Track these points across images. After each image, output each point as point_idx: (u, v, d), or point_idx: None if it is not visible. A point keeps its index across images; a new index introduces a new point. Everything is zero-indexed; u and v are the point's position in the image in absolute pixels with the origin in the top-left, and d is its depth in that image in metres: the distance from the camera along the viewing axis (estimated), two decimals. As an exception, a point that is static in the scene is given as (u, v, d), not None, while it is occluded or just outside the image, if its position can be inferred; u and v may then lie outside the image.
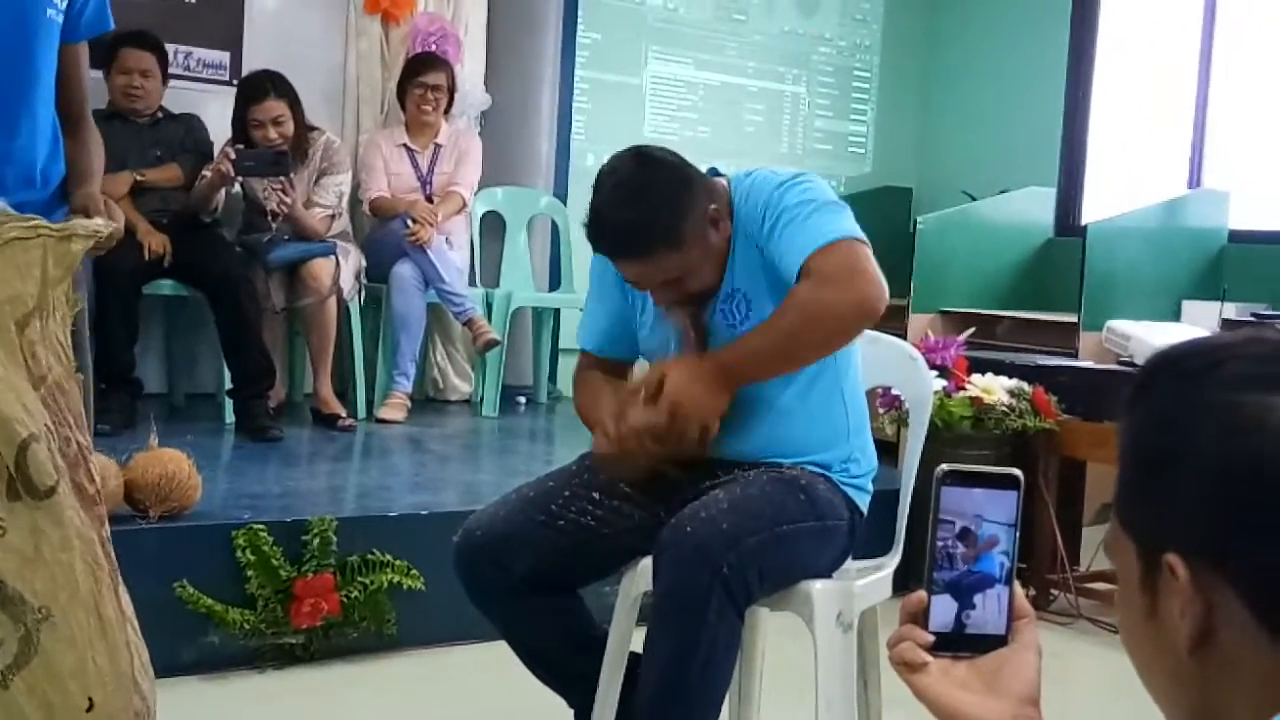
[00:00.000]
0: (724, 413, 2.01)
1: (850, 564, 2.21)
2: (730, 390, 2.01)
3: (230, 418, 4.33)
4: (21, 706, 1.59)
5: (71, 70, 2.11)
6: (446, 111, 5.05)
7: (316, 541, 3.01)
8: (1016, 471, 0.96)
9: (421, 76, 4.93)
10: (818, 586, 2.06)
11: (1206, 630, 0.79)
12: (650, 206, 1.99)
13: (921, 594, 0.96)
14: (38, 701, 1.60)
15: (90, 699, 1.65)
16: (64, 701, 1.62)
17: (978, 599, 0.96)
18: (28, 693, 1.60)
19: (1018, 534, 0.96)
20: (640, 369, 2.30)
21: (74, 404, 1.75)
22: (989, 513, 0.95)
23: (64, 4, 2.04)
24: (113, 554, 1.75)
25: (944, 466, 0.95)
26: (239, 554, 2.94)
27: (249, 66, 4.82)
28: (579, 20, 5.82)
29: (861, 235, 2.02)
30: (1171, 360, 0.83)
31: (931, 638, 0.95)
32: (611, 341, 2.28)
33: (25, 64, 1.97)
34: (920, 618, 0.96)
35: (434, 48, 5.13)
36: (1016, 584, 0.97)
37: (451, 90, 5.01)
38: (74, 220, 1.77)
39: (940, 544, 0.95)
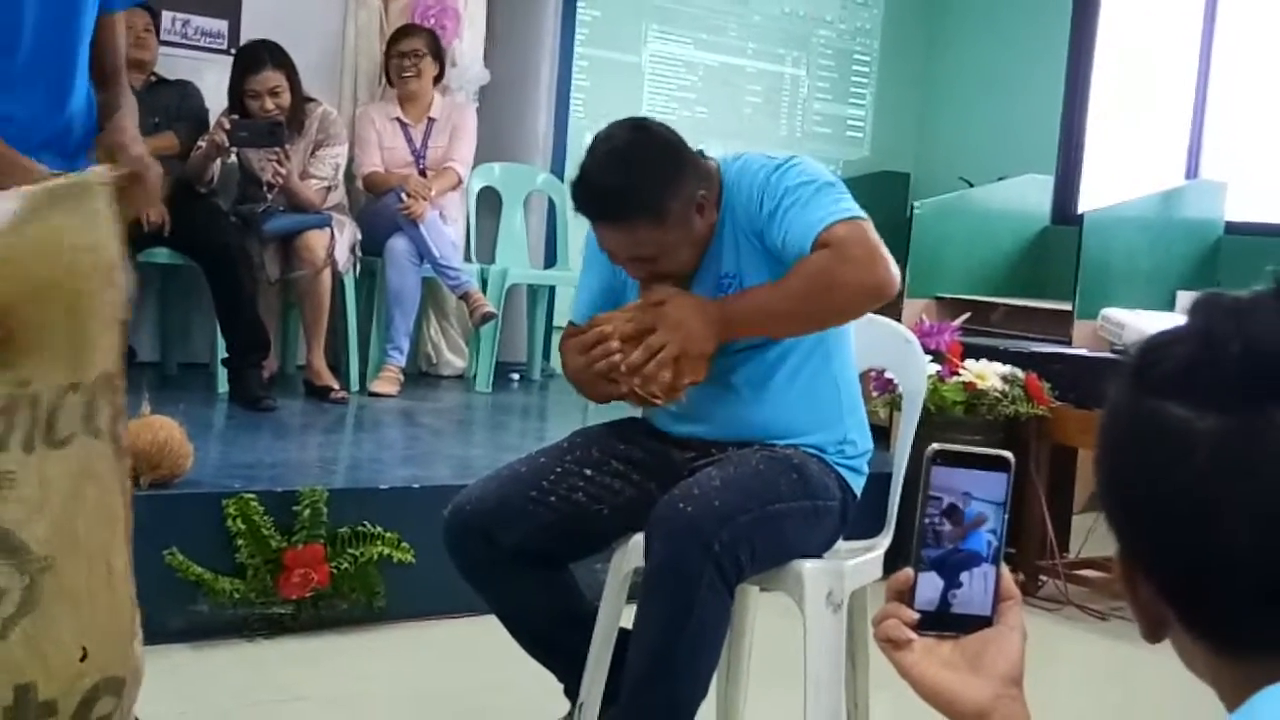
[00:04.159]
0: (707, 362, 2.01)
1: (841, 544, 2.22)
2: (723, 338, 2.01)
3: (223, 387, 4.33)
4: (18, 656, 1.59)
5: (110, 40, 2.04)
6: (438, 80, 5.03)
7: (307, 512, 3.01)
8: (1007, 454, 0.96)
9: (398, 45, 4.94)
10: (808, 566, 2.06)
11: (1158, 623, 0.80)
12: (638, 176, 2.00)
13: (908, 572, 0.96)
14: (33, 650, 1.60)
15: (84, 648, 1.65)
16: (57, 650, 1.62)
17: (964, 578, 0.95)
18: (25, 642, 1.60)
19: (1007, 515, 0.96)
20: None
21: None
22: (978, 492, 0.95)
23: None
24: (129, 507, 1.75)
25: (935, 446, 0.94)
26: (229, 523, 2.95)
27: (247, 36, 4.79)
28: (579, -3, 5.80)
29: (867, 216, 2.02)
30: (1127, 355, 0.82)
31: (917, 616, 0.95)
32: (598, 312, 2.27)
33: (74, 34, 1.94)
34: (906, 595, 0.96)
35: (432, 21, 5.12)
36: (1004, 565, 0.97)
37: (436, 57, 4.98)
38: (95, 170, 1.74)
39: (928, 521, 0.95)
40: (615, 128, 2.07)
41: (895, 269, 1.99)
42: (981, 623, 0.96)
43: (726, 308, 2.03)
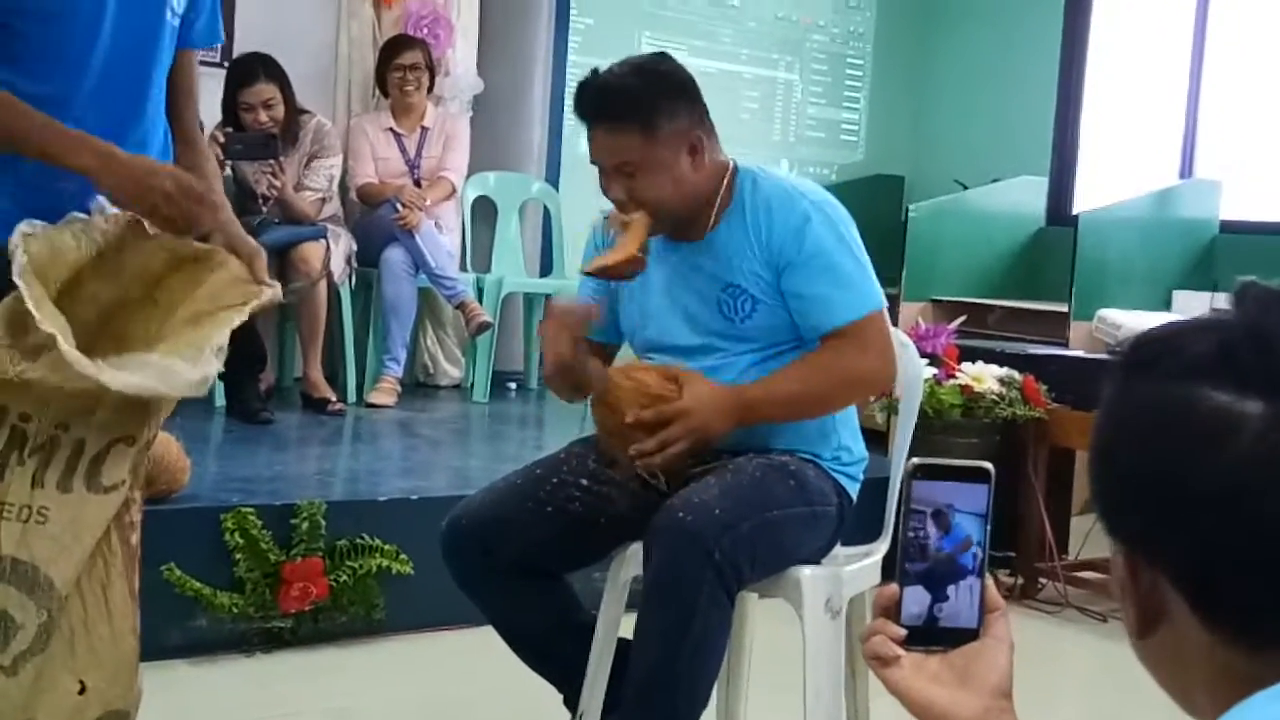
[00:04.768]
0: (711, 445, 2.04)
1: (839, 550, 2.22)
2: (739, 424, 2.04)
3: (220, 401, 4.33)
4: (25, 693, 1.60)
5: (183, 78, 2.04)
6: (430, 90, 5.04)
7: (305, 525, 3.01)
8: (987, 465, 0.96)
9: (398, 58, 4.95)
10: (807, 572, 2.06)
11: (1155, 616, 0.80)
12: (640, 84, 2.05)
13: (894, 587, 0.96)
14: (38, 687, 1.61)
15: (83, 682, 1.65)
16: (53, 684, 1.62)
17: (950, 591, 0.95)
18: (33, 679, 1.60)
19: (989, 527, 0.96)
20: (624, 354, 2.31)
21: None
22: (960, 504, 0.95)
23: (181, 8, 1.96)
24: (132, 539, 1.75)
25: (914, 461, 0.94)
26: (227, 537, 2.94)
27: (240, 49, 4.79)
28: (572, 5, 5.80)
29: (884, 301, 2.13)
30: (1131, 347, 0.82)
31: (904, 631, 0.95)
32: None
33: (148, 64, 1.93)
34: (893, 611, 0.96)
35: (425, 31, 5.12)
36: (988, 577, 0.97)
37: (431, 69, 5.01)
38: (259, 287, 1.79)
39: (911, 536, 0.95)
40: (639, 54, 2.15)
41: (895, 356, 2.15)
42: (969, 635, 0.96)
43: (747, 396, 2.05)
